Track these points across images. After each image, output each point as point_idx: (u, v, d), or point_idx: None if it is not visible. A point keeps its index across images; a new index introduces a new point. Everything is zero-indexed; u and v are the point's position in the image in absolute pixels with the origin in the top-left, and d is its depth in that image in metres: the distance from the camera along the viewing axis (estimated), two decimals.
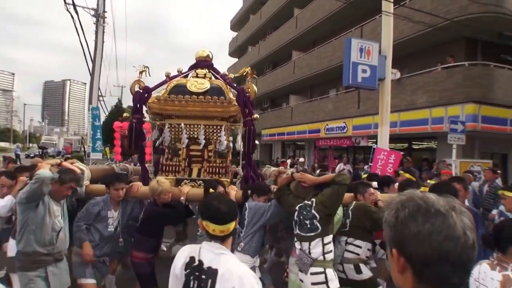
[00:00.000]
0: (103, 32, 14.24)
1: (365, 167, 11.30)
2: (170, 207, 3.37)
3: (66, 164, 3.33)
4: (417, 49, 12.71)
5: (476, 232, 0.81)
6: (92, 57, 13.85)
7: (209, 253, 1.69)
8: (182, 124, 3.84)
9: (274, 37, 24.12)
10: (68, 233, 3.06)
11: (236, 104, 3.82)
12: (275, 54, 24.19)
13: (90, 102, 13.81)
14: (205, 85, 3.91)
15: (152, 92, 3.91)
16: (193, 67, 4.22)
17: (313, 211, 2.92)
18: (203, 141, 3.89)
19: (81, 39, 12.85)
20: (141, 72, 3.94)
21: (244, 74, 4.07)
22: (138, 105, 3.68)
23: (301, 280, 2.91)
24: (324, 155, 19.02)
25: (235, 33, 33.80)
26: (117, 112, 25.38)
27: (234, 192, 3.55)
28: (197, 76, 4.14)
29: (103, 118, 27.75)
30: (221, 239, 1.73)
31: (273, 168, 5.27)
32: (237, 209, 1.92)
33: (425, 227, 0.79)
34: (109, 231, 3.32)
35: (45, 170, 2.75)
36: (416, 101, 12.02)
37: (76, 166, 3.42)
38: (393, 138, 10.25)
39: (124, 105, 27.52)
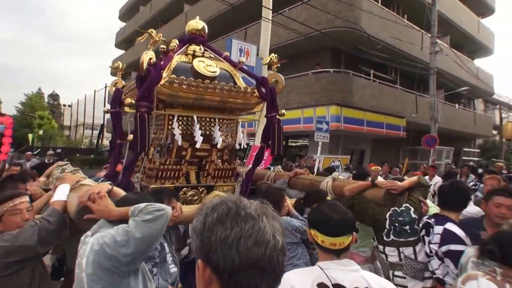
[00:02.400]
0: None
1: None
2: None
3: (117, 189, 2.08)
4: (293, 54, 13.94)
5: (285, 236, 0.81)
6: None
7: (345, 273, 1.47)
8: (195, 117, 2.95)
9: (164, 32, 23.26)
10: None
11: (257, 95, 3.14)
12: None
13: None
14: (213, 68, 3.04)
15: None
16: (186, 42, 3.24)
17: (413, 215, 2.80)
18: (220, 139, 3.03)
19: None
20: (154, 41, 2.92)
21: (268, 62, 3.34)
22: (149, 88, 2.59)
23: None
24: None
25: (124, 23, 31.74)
26: None
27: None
28: (193, 55, 3.19)
29: None
30: (336, 254, 1.51)
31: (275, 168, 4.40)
32: (354, 222, 1.65)
33: (233, 231, 0.74)
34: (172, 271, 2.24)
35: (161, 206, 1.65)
36: (291, 102, 13.21)
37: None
38: None
39: None
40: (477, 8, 21.37)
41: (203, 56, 3.19)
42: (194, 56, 3.13)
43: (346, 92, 12.73)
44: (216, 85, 2.85)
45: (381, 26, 13.29)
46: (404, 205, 2.88)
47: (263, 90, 3.10)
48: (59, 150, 15.16)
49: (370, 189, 2.95)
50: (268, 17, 9.35)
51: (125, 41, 30.83)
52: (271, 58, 3.31)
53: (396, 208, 2.88)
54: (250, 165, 3.62)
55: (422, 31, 15.09)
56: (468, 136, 22.22)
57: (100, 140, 21.26)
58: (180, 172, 2.99)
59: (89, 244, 1.46)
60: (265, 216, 0.79)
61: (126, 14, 31.42)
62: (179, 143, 2.87)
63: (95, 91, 31.86)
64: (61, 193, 2.04)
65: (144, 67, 2.54)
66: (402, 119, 14.90)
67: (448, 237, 2.38)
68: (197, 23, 3.31)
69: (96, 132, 27.29)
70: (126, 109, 3.32)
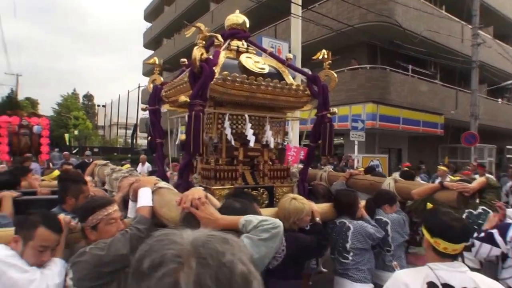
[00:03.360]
0: None
1: None
2: (309, 232, 2.45)
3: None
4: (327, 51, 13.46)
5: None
6: None
7: (454, 273, 1.54)
8: (246, 116, 2.81)
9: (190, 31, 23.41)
10: None
11: (308, 93, 2.99)
12: (191, 49, 23.53)
13: None
14: (262, 64, 2.91)
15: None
16: (227, 38, 3.08)
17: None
18: (272, 139, 2.93)
19: None
20: (203, 36, 2.64)
21: (319, 58, 3.15)
22: (204, 86, 2.42)
23: None
24: None
25: (150, 24, 32.05)
26: (9, 104, 22.18)
27: (316, 207, 2.61)
28: (237, 51, 3.04)
29: None
30: (452, 258, 1.60)
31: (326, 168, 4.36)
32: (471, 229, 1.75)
33: None
34: None
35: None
36: None
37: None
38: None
39: (20, 96, 24.16)
40: None
41: (247, 51, 3.04)
42: (238, 52, 3.01)
43: (383, 88, 12.10)
44: (269, 83, 2.72)
45: (418, 19, 12.56)
46: (480, 207, 2.81)
47: (315, 88, 2.97)
48: (96, 150, 15.52)
49: (440, 192, 2.84)
50: (297, 13, 8.97)
51: (153, 42, 31.12)
52: (322, 54, 3.14)
53: (471, 210, 2.80)
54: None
55: (462, 22, 14.19)
56: None
57: (134, 140, 21.66)
58: (237, 172, 2.84)
59: None
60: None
61: (151, 14, 31.51)
62: (232, 143, 2.74)
63: (128, 92, 32.56)
64: (145, 198, 1.96)
65: (197, 63, 2.38)
66: (440, 116, 14.15)
67: None
68: (237, 17, 3.15)
69: (130, 132, 27.95)
70: (166, 106, 3.36)
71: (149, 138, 3.31)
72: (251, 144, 2.77)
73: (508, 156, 19.51)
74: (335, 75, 3.11)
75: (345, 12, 12.06)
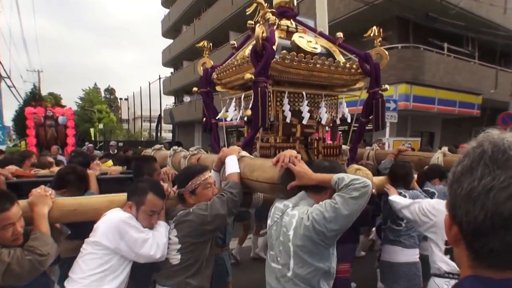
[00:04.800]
0: None
1: None
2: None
3: None
4: (355, 30, 12.46)
5: None
6: None
7: None
8: (304, 93, 2.88)
9: (209, 16, 22.66)
10: None
11: (361, 71, 3.04)
12: (212, 35, 22.83)
13: None
14: (314, 44, 2.98)
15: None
16: (276, 17, 3.06)
17: None
18: (325, 116, 2.99)
19: None
20: (264, 12, 2.91)
21: (371, 35, 3.13)
22: (267, 64, 2.53)
23: None
24: None
25: (167, 10, 31.23)
26: (33, 99, 22.34)
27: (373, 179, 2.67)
28: (287, 31, 3.10)
29: (16, 107, 24.42)
30: None
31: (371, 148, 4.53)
32: None
33: (482, 182, 0.55)
34: None
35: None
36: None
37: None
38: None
39: (43, 92, 24.28)
40: None
41: (297, 31, 3.10)
42: (288, 31, 3.08)
43: (417, 69, 11.10)
44: (325, 61, 2.78)
45: None
46: None
47: (367, 66, 3.00)
48: (121, 144, 15.03)
49: None
50: None
51: (171, 30, 30.37)
52: (373, 32, 3.12)
53: None
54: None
55: None
56: None
57: (158, 133, 21.37)
58: (294, 149, 2.76)
59: (296, 218, 1.67)
60: None
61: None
62: (288, 120, 2.84)
63: (149, 83, 32.31)
64: (233, 166, 2.11)
65: (260, 41, 2.48)
66: (478, 96, 13.11)
67: None
68: None
69: (154, 125, 27.92)
70: (218, 88, 3.54)
71: (204, 119, 3.47)
72: (305, 121, 2.86)
73: None
74: (387, 53, 3.12)
75: None
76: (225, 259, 2.85)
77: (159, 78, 31.01)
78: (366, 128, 3.35)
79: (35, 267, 1.58)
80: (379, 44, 3.14)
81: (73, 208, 1.90)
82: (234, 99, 3.15)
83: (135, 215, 1.84)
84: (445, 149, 3.59)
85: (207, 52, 3.51)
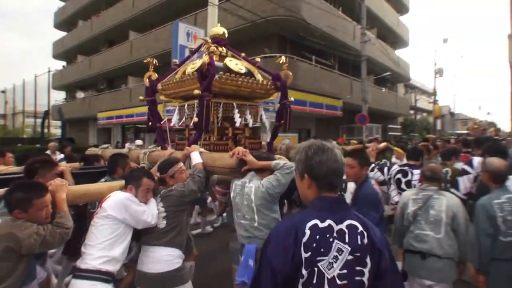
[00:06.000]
0: None
1: None
2: None
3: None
4: (242, 40, 14.05)
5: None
6: None
7: None
8: (234, 104, 3.58)
9: (109, 14, 21.94)
10: None
11: (273, 87, 3.77)
12: (111, 33, 22.12)
13: None
14: (241, 66, 3.68)
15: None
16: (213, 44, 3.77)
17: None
18: (251, 120, 3.72)
19: None
20: (208, 46, 3.54)
21: (280, 62, 3.96)
22: (210, 82, 3.16)
23: None
24: (166, 136, 18.91)
25: (63, 3, 28.84)
26: None
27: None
28: (220, 55, 3.76)
29: None
30: None
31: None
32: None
33: (323, 157, 1.26)
34: None
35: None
36: None
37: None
38: None
39: None
40: (396, 6, 23.48)
41: (227, 56, 3.80)
42: (220, 55, 3.74)
43: (292, 75, 13.17)
44: (248, 80, 3.53)
45: (320, 17, 13.96)
46: (384, 160, 5.20)
47: (278, 83, 3.77)
48: None
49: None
50: (214, 2, 9.38)
51: (66, 22, 28.11)
52: (281, 60, 3.95)
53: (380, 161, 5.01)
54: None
55: (354, 22, 16.15)
56: (392, 115, 24.52)
57: (44, 129, 19.30)
58: (227, 146, 3.64)
59: (253, 188, 2.51)
60: (335, 147, 1.31)
61: None
62: (237, 124, 3.57)
63: (35, 76, 28.94)
64: (197, 158, 2.82)
65: (206, 66, 3.12)
66: (339, 100, 15.91)
67: None
68: (218, 29, 3.92)
69: (39, 121, 25.07)
70: (162, 97, 4.08)
71: (149, 123, 3.94)
72: (237, 125, 3.59)
73: (390, 133, 23.01)
74: (291, 73, 3.92)
75: (259, 6, 12.76)
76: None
77: (49, 71, 28.08)
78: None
79: (62, 237, 1.98)
80: (286, 67, 3.89)
81: (83, 192, 2.38)
82: (178, 107, 3.76)
83: (135, 194, 2.36)
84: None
85: (152, 67, 3.98)
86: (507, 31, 7.67)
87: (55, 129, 30.17)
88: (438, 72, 26.38)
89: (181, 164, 2.69)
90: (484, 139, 5.29)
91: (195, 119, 3.20)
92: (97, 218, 2.23)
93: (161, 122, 3.84)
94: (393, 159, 5.36)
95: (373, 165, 4.29)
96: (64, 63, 31.01)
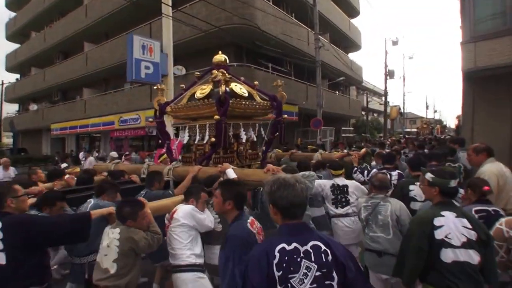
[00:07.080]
0: None
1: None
2: None
3: None
4: (198, 49, 13.78)
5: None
6: None
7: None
8: (241, 123, 4.07)
9: (62, 25, 20.80)
10: None
11: (270, 107, 4.24)
12: (65, 44, 20.98)
13: None
14: (244, 90, 4.13)
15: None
16: (210, 70, 4.24)
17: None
18: (254, 136, 4.31)
19: None
20: (220, 77, 3.98)
21: (278, 85, 4.43)
22: (227, 108, 3.64)
23: None
24: (121, 144, 18.96)
25: (14, 13, 27.00)
26: None
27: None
28: (225, 81, 4.09)
29: None
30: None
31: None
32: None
33: (285, 192, 1.46)
34: None
35: None
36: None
37: None
38: None
39: None
40: (347, 10, 24.14)
41: (231, 80, 4.22)
42: (225, 81, 4.08)
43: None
44: (252, 103, 4.04)
45: (274, 24, 14.08)
46: (364, 164, 5.21)
47: (274, 103, 4.24)
48: None
49: (347, 157, 5.25)
50: (168, 13, 9.06)
51: (18, 34, 26.41)
52: (277, 83, 4.46)
53: (362, 165, 5.11)
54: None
55: (308, 28, 16.41)
56: (345, 117, 25.23)
57: None
58: (233, 158, 4.16)
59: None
60: (297, 182, 1.49)
61: (14, 3, 26.41)
62: (244, 140, 4.14)
63: None
64: (232, 174, 3.22)
65: (223, 95, 3.65)
66: (295, 106, 16.04)
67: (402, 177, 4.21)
68: (221, 57, 4.30)
69: None
70: (170, 118, 4.55)
71: (160, 141, 4.54)
72: (243, 140, 4.15)
73: (343, 135, 23.65)
74: (285, 94, 4.37)
75: (213, 14, 12.53)
76: None
77: (2, 84, 26.24)
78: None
79: (159, 241, 2.55)
80: (281, 89, 4.37)
81: (157, 207, 2.87)
82: (187, 126, 4.17)
83: (195, 206, 2.86)
84: (320, 151, 5.98)
85: (163, 93, 4.38)
86: (458, 29, 7.90)
87: (7, 138, 28.57)
88: (389, 74, 27.33)
89: (220, 179, 3.16)
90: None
91: (213, 139, 3.70)
92: (173, 227, 2.77)
93: (170, 139, 4.46)
94: (373, 163, 5.92)
95: (355, 168, 4.89)
96: (18, 75, 29.14)
